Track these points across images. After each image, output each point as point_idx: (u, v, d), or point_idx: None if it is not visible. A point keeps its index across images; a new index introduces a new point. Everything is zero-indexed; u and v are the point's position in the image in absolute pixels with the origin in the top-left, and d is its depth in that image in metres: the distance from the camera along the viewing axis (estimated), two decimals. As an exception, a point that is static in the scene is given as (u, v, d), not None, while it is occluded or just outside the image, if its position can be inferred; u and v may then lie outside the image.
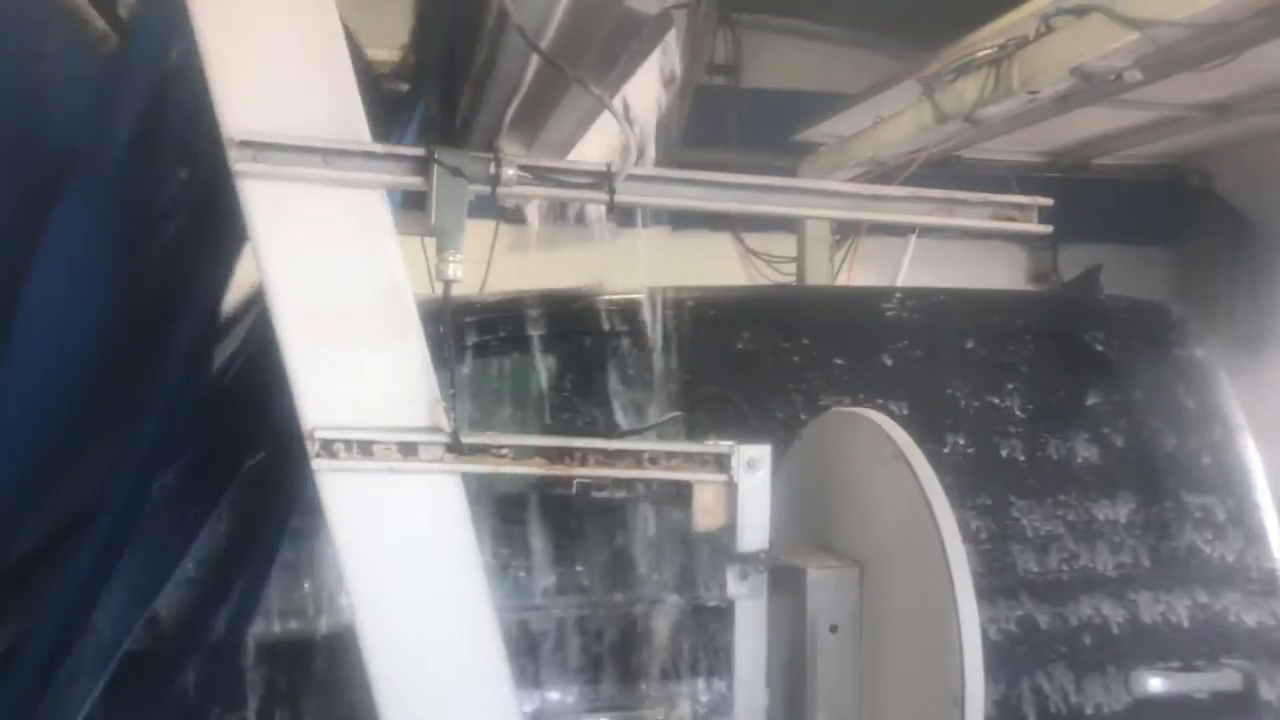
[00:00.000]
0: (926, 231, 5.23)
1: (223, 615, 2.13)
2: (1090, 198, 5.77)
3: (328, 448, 1.54)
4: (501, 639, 1.64)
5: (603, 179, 1.62)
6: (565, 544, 2.41)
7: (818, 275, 5.69)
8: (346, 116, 1.57)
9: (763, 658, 1.72)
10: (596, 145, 1.98)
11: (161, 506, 1.95)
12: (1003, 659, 2.43)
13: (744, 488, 1.66)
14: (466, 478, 1.62)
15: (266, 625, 2.23)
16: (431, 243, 1.64)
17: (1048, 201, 1.78)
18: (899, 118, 4.81)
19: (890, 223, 1.89)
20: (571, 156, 2.03)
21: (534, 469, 1.64)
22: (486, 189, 1.59)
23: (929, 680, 1.48)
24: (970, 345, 2.73)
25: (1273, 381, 4.50)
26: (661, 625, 2.36)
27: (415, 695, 1.60)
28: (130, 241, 1.78)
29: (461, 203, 1.58)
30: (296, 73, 1.55)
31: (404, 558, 1.61)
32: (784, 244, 6.09)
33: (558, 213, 2.14)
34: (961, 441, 2.61)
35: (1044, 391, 2.71)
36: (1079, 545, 2.59)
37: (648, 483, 1.74)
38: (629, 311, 2.58)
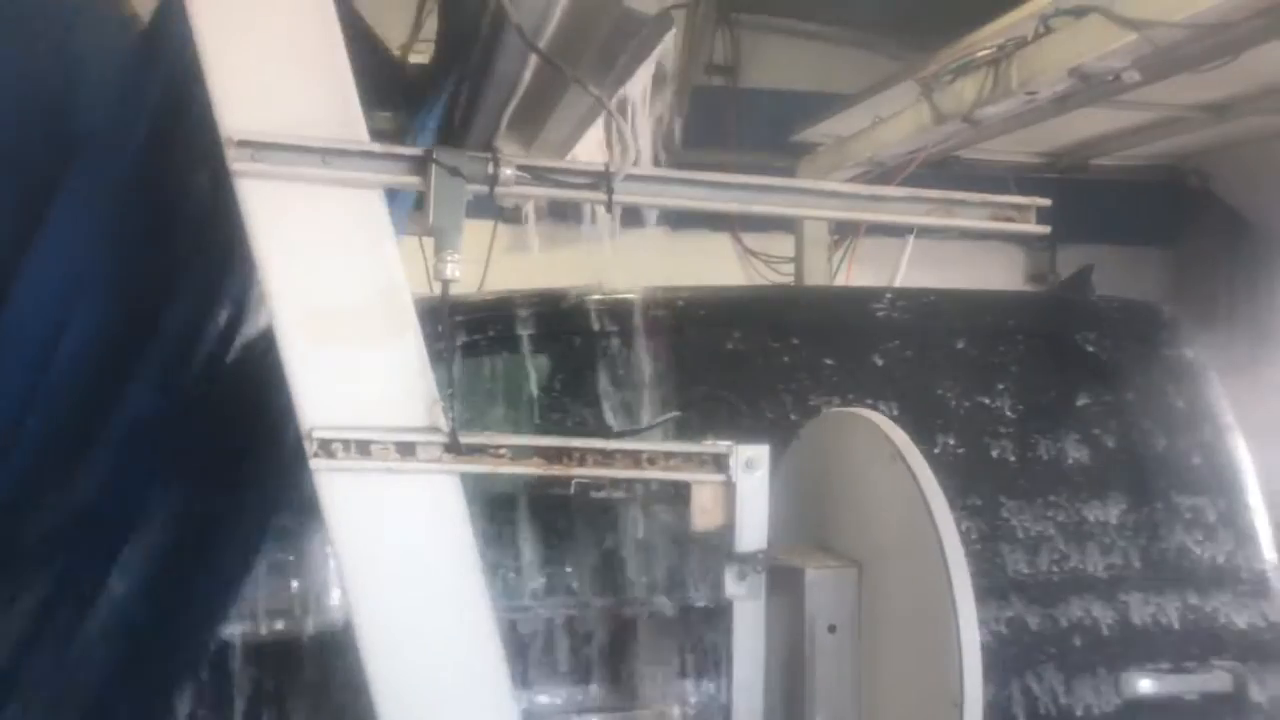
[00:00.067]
0: (925, 232, 5.23)
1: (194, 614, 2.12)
2: (1088, 198, 5.78)
3: (326, 447, 1.54)
4: (500, 639, 1.64)
5: (601, 179, 1.62)
6: (554, 545, 2.40)
7: (816, 275, 5.69)
8: (344, 116, 1.57)
9: (761, 658, 1.72)
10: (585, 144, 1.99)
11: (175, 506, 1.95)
12: (993, 660, 2.42)
13: (742, 488, 1.66)
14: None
15: (254, 626, 2.23)
16: (429, 242, 1.63)
17: (1046, 202, 1.78)
18: (897, 118, 4.81)
19: (888, 223, 1.89)
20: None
21: (532, 469, 1.65)
22: (484, 189, 1.59)
23: (927, 680, 1.48)
24: (961, 345, 2.73)
25: (1271, 382, 4.50)
26: (651, 626, 2.36)
27: (413, 695, 1.60)
28: (141, 226, 1.77)
29: (460, 202, 1.58)
30: (295, 72, 1.55)
31: (402, 558, 1.61)
32: (782, 244, 6.09)
33: (561, 212, 2.14)
34: (952, 442, 2.61)
35: (1035, 392, 2.70)
36: (1069, 546, 2.58)
37: (646, 483, 1.74)
38: (618, 311, 2.58)
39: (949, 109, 4.37)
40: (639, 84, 1.80)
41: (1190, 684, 2.53)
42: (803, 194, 1.79)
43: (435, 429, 1.58)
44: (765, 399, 2.57)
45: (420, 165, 1.57)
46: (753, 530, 1.66)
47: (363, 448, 1.56)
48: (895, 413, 2.51)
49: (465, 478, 1.63)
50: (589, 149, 2.06)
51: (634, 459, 1.66)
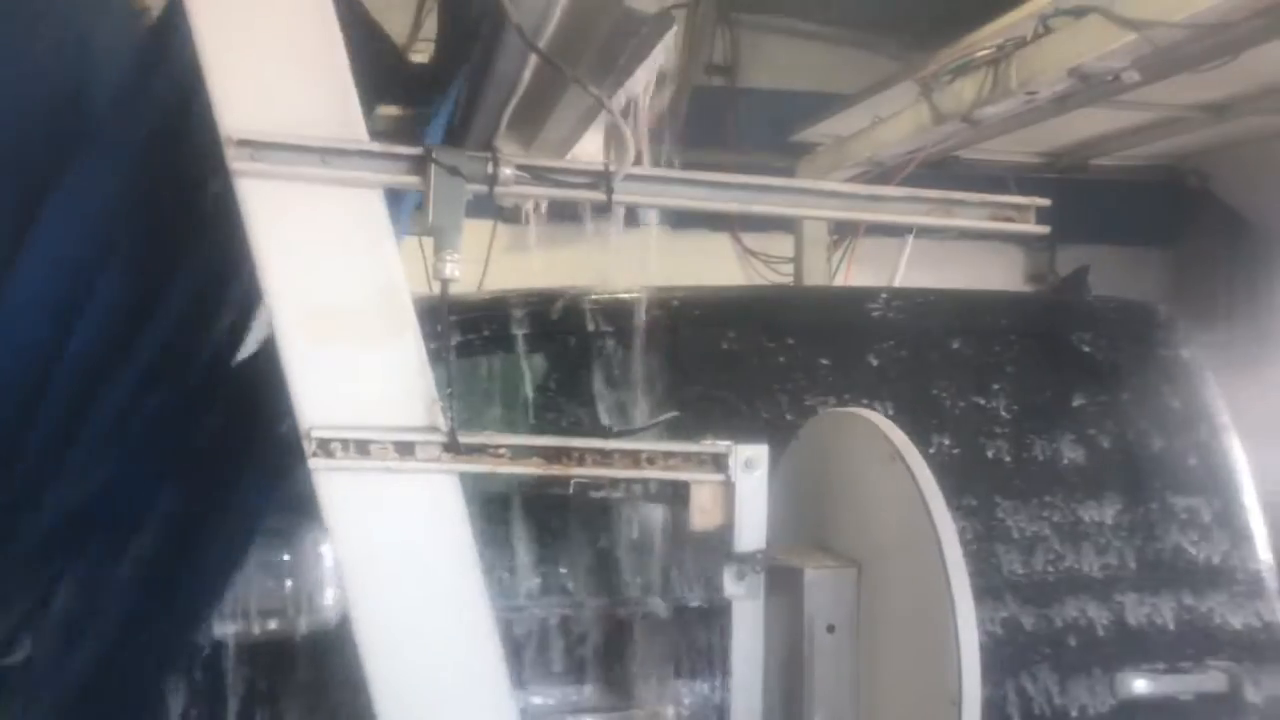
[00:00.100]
0: (924, 232, 5.22)
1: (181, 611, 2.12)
2: (1088, 198, 5.78)
3: (325, 447, 1.54)
4: (499, 638, 1.64)
5: (600, 179, 1.62)
6: (548, 545, 2.40)
7: (815, 275, 5.69)
8: (344, 116, 1.57)
9: (760, 658, 1.72)
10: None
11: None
12: (988, 661, 2.42)
13: (741, 488, 1.66)
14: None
15: (246, 625, 2.23)
16: (429, 242, 1.63)
17: (1045, 202, 1.78)
18: (897, 118, 4.81)
19: (888, 223, 1.89)
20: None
21: (532, 469, 1.64)
22: (484, 188, 1.59)
23: (926, 680, 1.48)
24: (956, 346, 2.73)
25: (1270, 382, 4.50)
26: (645, 627, 2.35)
27: (413, 694, 1.60)
28: (144, 223, 1.77)
29: (459, 202, 1.58)
30: (294, 72, 1.55)
31: (401, 557, 1.60)
32: (782, 244, 6.10)
33: (562, 213, 2.14)
34: (947, 442, 2.61)
35: (1030, 392, 2.70)
36: (1065, 546, 2.58)
37: (645, 483, 1.74)
38: (612, 311, 2.58)
39: (948, 109, 4.37)
40: (642, 83, 1.80)
41: (1185, 684, 2.54)
42: (802, 194, 1.79)
43: (434, 429, 1.58)
44: (760, 399, 2.57)
45: (419, 165, 1.57)
46: (752, 530, 1.66)
47: (362, 447, 1.56)
48: (890, 413, 2.51)
49: (463, 478, 1.63)
50: (588, 149, 2.06)
51: (633, 459, 1.66)
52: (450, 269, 1.59)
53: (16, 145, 1.69)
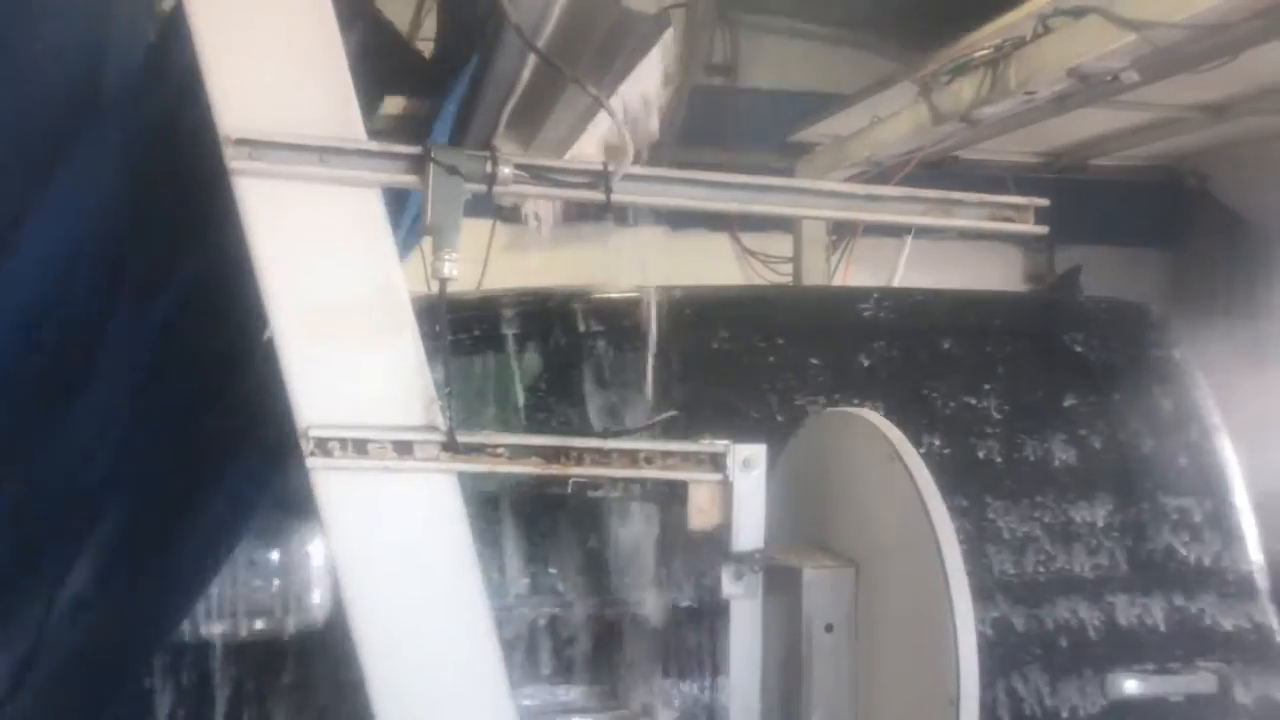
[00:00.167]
0: (923, 232, 5.24)
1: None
2: (1087, 198, 5.78)
3: (322, 446, 1.54)
4: (497, 637, 1.64)
5: (599, 178, 1.61)
6: (539, 544, 2.40)
7: (814, 276, 5.69)
8: (342, 115, 1.57)
9: (758, 657, 1.72)
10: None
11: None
12: (979, 661, 2.42)
13: (739, 487, 1.65)
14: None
15: (234, 625, 2.22)
16: (428, 241, 1.63)
17: (1044, 202, 1.78)
18: (896, 118, 4.81)
19: (886, 223, 1.88)
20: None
21: (530, 468, 1.64)
22: (483, 187, 1.59)
23: (924, 679, 1.48)
24: (948, 346, 2.72)
25: (1268, 382, 4.50)
26: (637, 627, 2.35)
27: (411, 694, 1.60)
28: (147, 222, 1.77)
29: (457, 201, 1.57)
30: (293, 71, 1.55)
31: (399, 557, 1.60)
32: (781, 244, 6.10)
33: (574, 214, 2.13)
34: (938, 442, 2.60)
35: (1022, 392, 2.70)
36: (1055, 547, 2.58)
37: (643, 482, 1.74)
38: (605, 311, 2.58)
39: (947, 109, 4.38)
40: (645, 82, 1.80)
41: (1176, 685, 2.53)
42: (801, 194, 1.79)
43: (433, 428, 1.58)
44: (751, 399, 2.57)
45: (418, 164, 1.57)
46: (750, 530, 1.66)
47: (360, 446, 1.55)
48: (881, 413, 2.51)
49: (460, 477, 1.63)
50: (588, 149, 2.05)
51: (631, 458, 1.65)
52: (449, 268, 1.59)
53: (35, 137, 1.69)
